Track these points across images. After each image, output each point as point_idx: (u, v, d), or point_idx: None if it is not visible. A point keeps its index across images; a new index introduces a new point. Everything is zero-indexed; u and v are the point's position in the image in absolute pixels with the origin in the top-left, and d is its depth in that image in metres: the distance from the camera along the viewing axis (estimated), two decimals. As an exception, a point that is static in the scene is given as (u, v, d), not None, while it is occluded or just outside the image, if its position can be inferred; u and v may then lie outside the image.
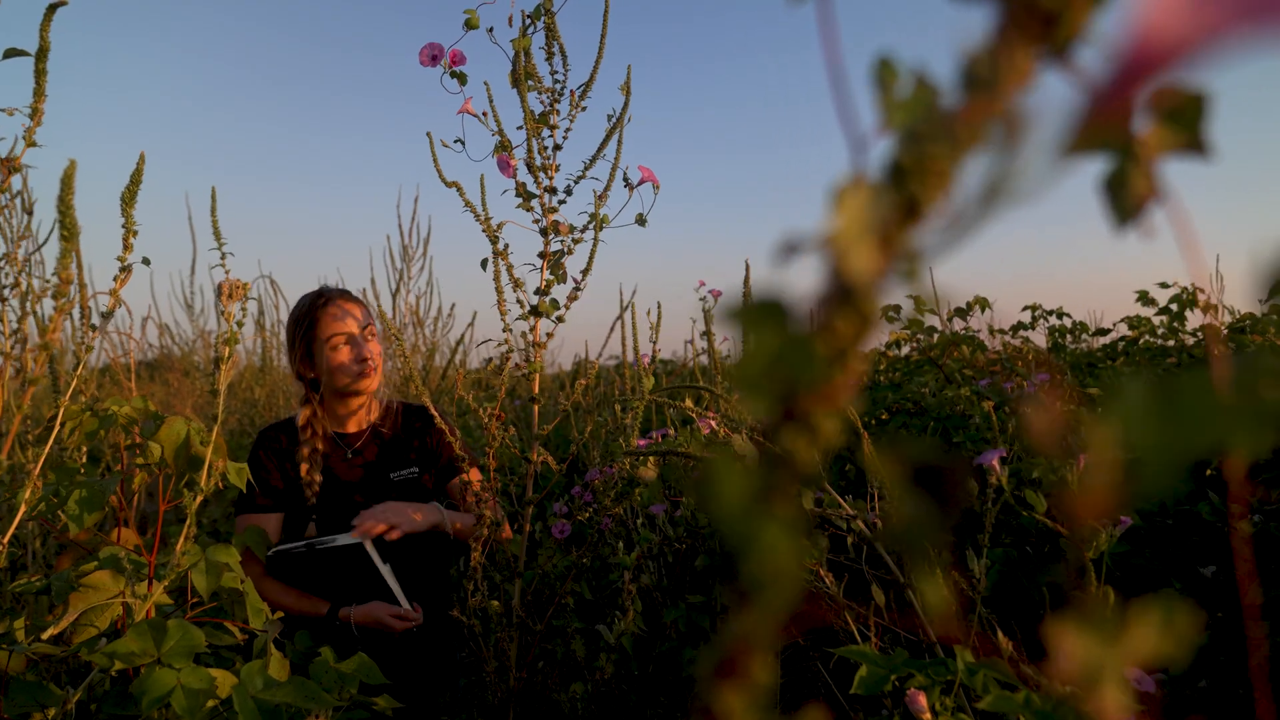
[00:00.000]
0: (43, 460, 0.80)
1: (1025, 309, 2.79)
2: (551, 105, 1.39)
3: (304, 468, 1.51)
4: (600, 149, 1.39)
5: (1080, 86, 0.14)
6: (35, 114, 0.73)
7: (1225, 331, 2.06)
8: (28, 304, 1.71)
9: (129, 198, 0.85)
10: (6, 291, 1.68)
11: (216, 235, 0.87)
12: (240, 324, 0.87)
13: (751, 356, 0.14)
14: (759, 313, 0.15)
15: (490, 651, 1.41)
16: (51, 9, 0.71)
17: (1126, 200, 0.17)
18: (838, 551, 1.56)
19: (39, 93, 0.73)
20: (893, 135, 0.16)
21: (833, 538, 1.32)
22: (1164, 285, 2.48)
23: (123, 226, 0.86)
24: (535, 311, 1.38)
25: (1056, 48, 0.14)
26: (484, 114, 1.37)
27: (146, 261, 0.89)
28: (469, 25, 1.29)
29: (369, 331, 1.57)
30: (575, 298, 1.42)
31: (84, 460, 1.57)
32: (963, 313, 2.78)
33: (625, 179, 1.41)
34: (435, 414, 1.41)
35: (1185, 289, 2.40)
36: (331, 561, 1.44)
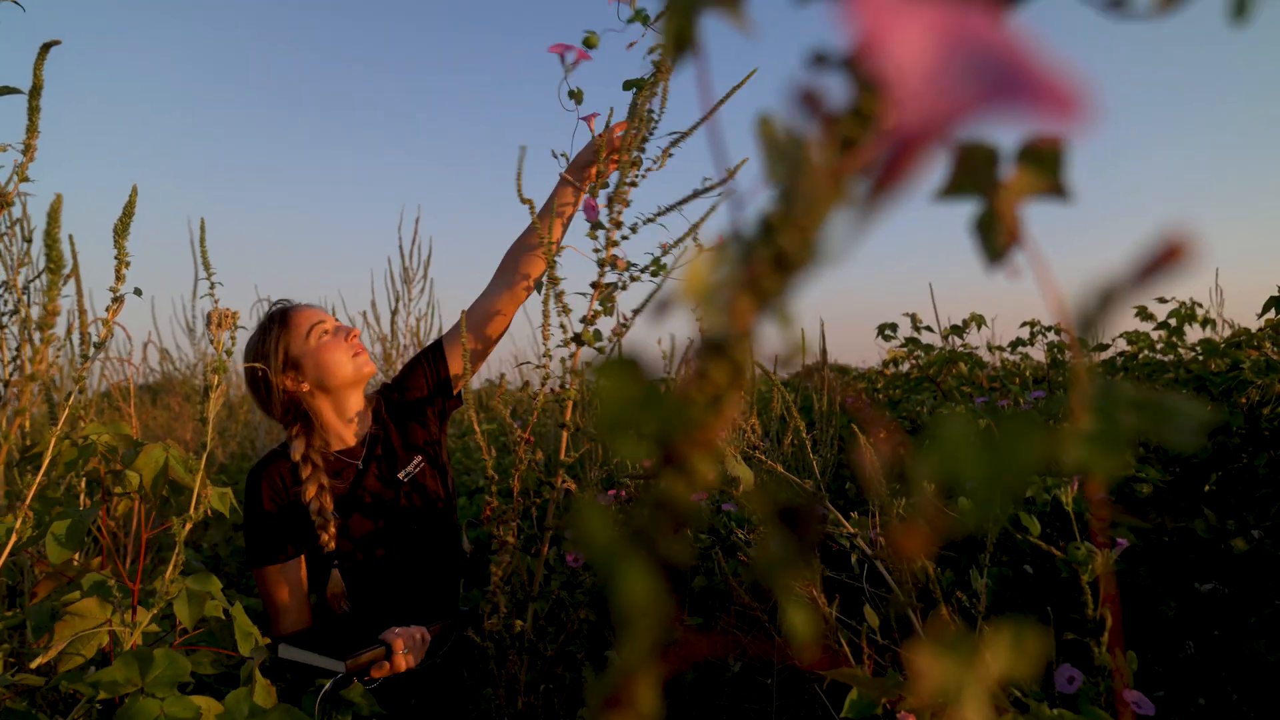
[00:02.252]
0: (34, 490, 0.81)
1: (1024, 325, 2.79)
2: (642, 143, 1.41)
3: (314, 507, 1.36)
4: (681, 203, 1.39)
5: (871, 155, 0.15)
6: (28, 150, 0.75)
7: (1222, 346, 2.06)
8: (28, 331, 1.73)
9: (121, 229, 0.87)
10: (6, 319, 1.71)
11: (206, 265, 0.89)
12: (229, 352, 0.88)
13: (605, 405, 0.15)
14: (612, 367, 0.15)
15: (500, 674, 1.40)
16: (45, 48, 0.73)
17: (993, 241, 0.18)
18: (840, 569, 1.55)
19: (32, 129, 0.74)
20: (773, 188, 0.17)
21: (836, 555, 1.32)
22: (1162, 300, 2.48)
23: (115, 258, 0.87)
24: (578, 340, 1.38)
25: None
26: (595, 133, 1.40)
27: (138, 292, 0.90)
28: (588, 44, 1.31)
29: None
30: (622, 333, 1.41)
31: (83, 488, 1.58)
32: (960, 330, 2.78)
33: (695, 239, 1.41)
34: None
35: (1184, 303, 2.40)
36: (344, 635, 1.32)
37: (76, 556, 0.92)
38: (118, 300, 0.89)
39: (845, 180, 0.15)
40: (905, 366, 2.87)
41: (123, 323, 1.04)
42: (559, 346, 1.39)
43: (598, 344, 1.39)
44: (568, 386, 1.41)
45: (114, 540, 0.96)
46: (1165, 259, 0.16)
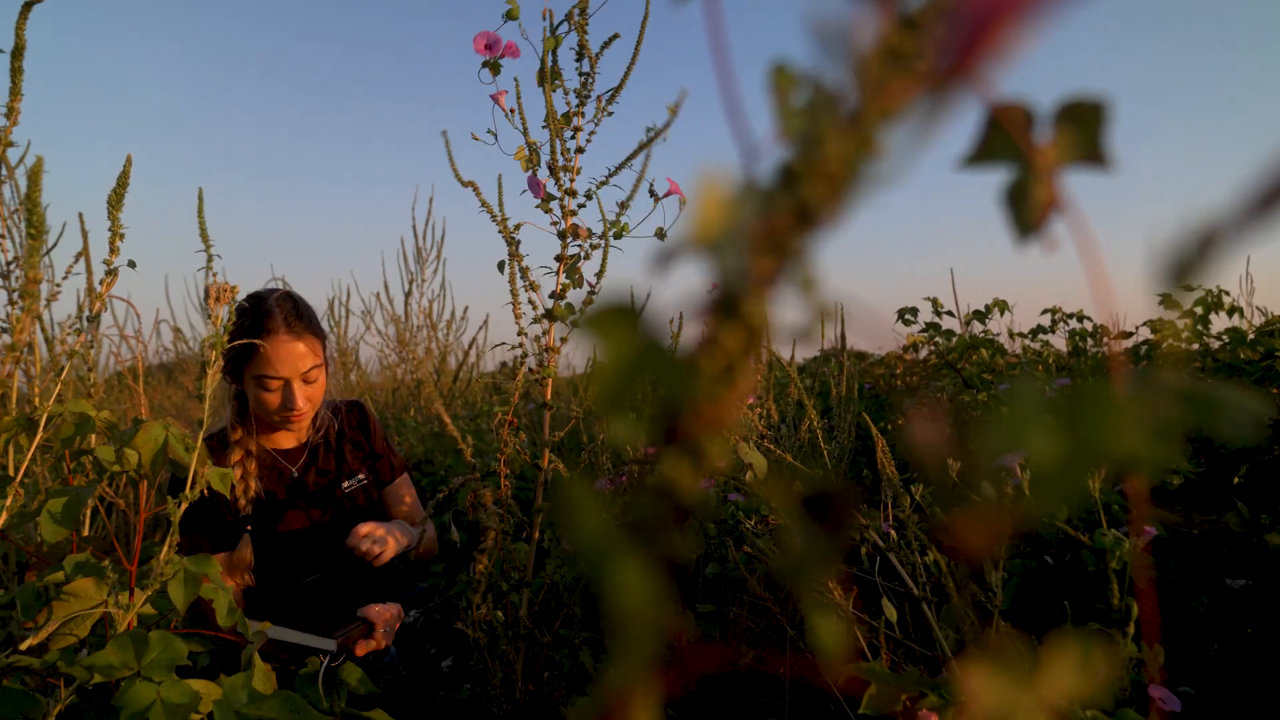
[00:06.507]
0: (25, 466, 0.79)
1: (1045, 312, 2.73)
2: (578, 108, 1.36)
3: (237, 473, 1.31)
4: (629, 159, 1.35)
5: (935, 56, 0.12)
6: (11, 113, 0.72)
7: (1252, 335, 1.99)
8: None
9: (115, 200, 0.84)
10: (14, 295, 1.69)
11: (204, 237, 0.86)
12: (227, 328, 0.85)
13: (606, 369, 0.12)
14: (607, 317, 0.12)
15: (496, 664, 1.38)
16: (27, 6, 0.70)
17: (1027, 212, 0.15)
18: (850, 563, 1.52)
19: (15, 92, 0.71)
20: (788, 142, 0.14)
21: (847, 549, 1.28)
22: (1189, 288, 2.41)
23: (109, 229, 0.85)
24: (550, 315, 1.35)
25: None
26: (511, 111, 1.33)
27: (133, 264, 0.88)
28: (509, 16, 1.25)
29: (313, 372, 1.34)
30: (590, 302, 1.38)
31: (70, 467, 1.55)
32: (981, 315, 2.72)
33: (651, 190, 1.37)
34: (371, 413, 1.37)
35: (1210, 291, 2.33)
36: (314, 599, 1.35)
37: (74, 537, 0.90)
38: (111, 273, 0.87)
39: (897, 87, 0.11)
40: (924, 353, 2.82)
41: (135, 302, 1.01)
42: (532, 324, 1.36)
43: (570, 317, 1.36)
44: (546, 364, 1.38)
45: (103, 520, 0.94)
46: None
